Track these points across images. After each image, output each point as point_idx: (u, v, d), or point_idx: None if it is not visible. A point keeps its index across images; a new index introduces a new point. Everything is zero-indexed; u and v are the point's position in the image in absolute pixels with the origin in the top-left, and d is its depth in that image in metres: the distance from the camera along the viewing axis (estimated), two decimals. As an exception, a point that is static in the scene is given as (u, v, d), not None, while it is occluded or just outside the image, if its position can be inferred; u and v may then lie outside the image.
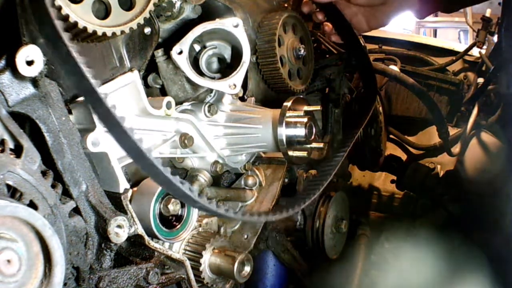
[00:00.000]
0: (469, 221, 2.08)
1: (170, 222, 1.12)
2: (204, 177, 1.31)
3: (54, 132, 0.88)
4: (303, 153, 1.29)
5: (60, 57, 0.67)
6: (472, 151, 2.05)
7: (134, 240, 1.01)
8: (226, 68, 1.31)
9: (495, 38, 2.31)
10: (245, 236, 1.40)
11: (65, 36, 0.66)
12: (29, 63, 0.81)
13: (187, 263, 1.10)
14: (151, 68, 1.24)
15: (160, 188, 1.06)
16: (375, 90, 1.73)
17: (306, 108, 1.31)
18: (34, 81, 0.85)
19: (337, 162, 1.29)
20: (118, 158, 1.02)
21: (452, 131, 2.23)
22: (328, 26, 1.63)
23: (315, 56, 1.71)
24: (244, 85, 1.45)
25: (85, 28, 0.89)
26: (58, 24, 0.66)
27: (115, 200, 0.98)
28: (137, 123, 1.12)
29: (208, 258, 1.20)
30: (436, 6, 1.53)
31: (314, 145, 1.28)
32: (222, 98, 1.32)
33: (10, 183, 0.77)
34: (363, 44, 1.79)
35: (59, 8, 0.85)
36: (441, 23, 7.26)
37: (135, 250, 1.03)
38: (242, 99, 1.43)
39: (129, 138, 0.69)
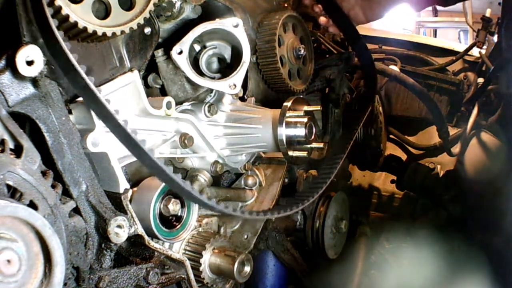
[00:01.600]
0: (469, 221, 2.08)
1: (170, 222, 1.12)
2: (204, 177, 1.31)
3: (54, 132, 0.88)
4: (303, 153, 1.29)
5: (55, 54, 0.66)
6: (472, 151, 2.05)
7: (134, 240, 1.01)
8: (226, 68, 1.31)
9: (495, 38, 2.31)
10: (245, 236, 1.40)
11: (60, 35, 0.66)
12: (29, 63, 0.81)
13: (187, 263, 1.10)
14: (151, 68, 1.23)
15: (160, 188, 1.06)
16: (375, 81, 1.73)
17: (306, 108, 1.31)
18: (34, 81, 0.85)
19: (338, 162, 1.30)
20: (118, 158, 1.02)
21: (452, 131, 2.22)
22: (323, 19, 1.64)
23: (315, 56, 1.71)
24: (244, 85, 1.45)
25: (85, 28, 0.89)
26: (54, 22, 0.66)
27: (115, 200, 0.98)
28: (137, 123, 1.12)
29: (208, 258, 1.20)
30: None
31: (314, 145, 1.28)
32: (222, 98, 1.32)
33: (10, 183, 0.77)
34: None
35: (59, 8, 0.85)
36: (441, 23, 7.24)
37: (135, 250, 1.03)
38: (242, 99, 1.43)
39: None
